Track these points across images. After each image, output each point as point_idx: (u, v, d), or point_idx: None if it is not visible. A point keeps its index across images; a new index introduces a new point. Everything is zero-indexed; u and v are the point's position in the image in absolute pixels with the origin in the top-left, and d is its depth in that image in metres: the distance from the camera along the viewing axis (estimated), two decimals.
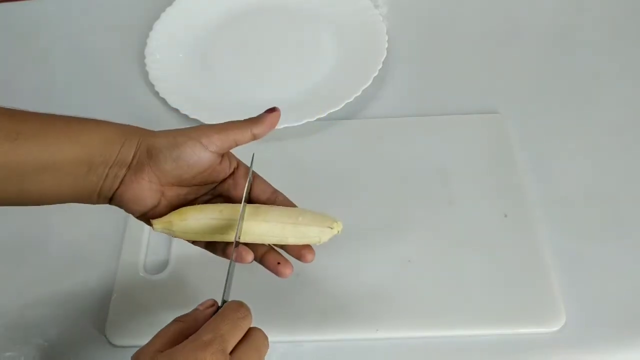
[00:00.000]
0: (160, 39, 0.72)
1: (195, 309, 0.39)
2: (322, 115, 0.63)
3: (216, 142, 0.42)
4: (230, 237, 0.43)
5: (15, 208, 0.60)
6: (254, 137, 0.44)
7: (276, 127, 0.61)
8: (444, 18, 0.77)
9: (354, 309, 0.51)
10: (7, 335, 0.52)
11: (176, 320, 0.38)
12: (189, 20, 0.75)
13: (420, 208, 0.57)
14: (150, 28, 0.73)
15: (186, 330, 0.36)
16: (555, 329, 0.49)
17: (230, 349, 0.35)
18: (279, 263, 0.43)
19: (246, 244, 0.43)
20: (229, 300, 0.39)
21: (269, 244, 0.44)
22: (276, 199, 0.46)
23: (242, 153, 0.46)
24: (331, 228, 0.43)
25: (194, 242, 0.46)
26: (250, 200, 0.46)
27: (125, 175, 0.41)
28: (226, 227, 0.43)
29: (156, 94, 0.67)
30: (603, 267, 0.53)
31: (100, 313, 0.52)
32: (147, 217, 0.44)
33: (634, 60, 0.70)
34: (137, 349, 0.50)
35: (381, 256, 0.54)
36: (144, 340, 0.50)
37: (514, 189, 0.58)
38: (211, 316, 0.37)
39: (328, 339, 0.50)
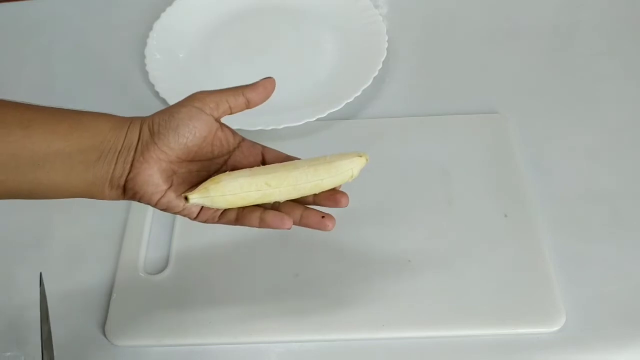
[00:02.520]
0: (160, 39, 0.72)
1: None
2: (322, 115, 0.63)
3: (210, 104, 0.43)
4: (269, 198, 0.43)
5: (16, 207, 0.60)
6: (248, 103, 0.45)
7: (276, 127, 0.62)
8: (444, 18, 0.77)
9: (354, 309, 0.51)
10: (8, 335, 0.52)
11: None
12: (189, 20, 0.75)
13: (420, 208, 0.57)
14: (150, 28, 0.73)
15: None
16: (555, 329, 0.49)
17: None
18: (323, 217, 0.43)
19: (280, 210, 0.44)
20: None
21: (304, 206, 0.44)
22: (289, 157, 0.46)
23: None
24: (360, 156, 0.45)
25: (220, 218, 0.44)
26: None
27: (133, 159, 0.41)
28: (262, 185, 0.42)
29: (156, 94, 0.67)
30: (603, 267, 0.53)
31: (100, 313, 0.52)
32: (167, 200, 0.42)
33: (634, 60, 0.70)
34: (137, 349, 0.51)
35: (381, 256, 0.54)
36: (144, 340, 0.51)
37: (514, 189, 0.58)
38: None
39: (328, 339, 0.50)
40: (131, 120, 0.42)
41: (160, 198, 0.42)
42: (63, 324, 0.52)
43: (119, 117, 0.43)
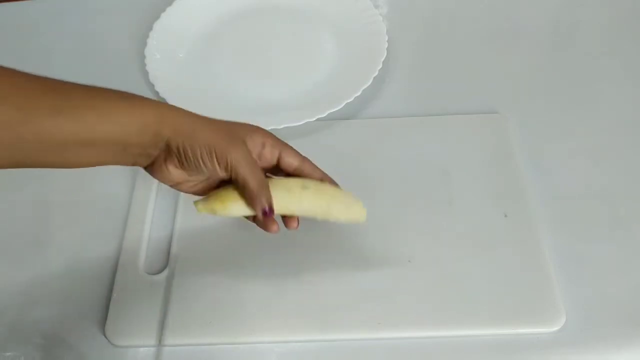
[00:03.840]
0: (160, 39, 0.72)
1: None
2: (322, 115, 0.63)
3: (223, 165, 0.44)
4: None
5: (16, 207, 0.60)
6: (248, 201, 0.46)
7: (276, 127, 0.62)
8: (444, 18, 0.77)
9: (354, 309, 0.51)
10: (7, 335, 0.52)
11: None
12: (189, 20, 0.75)
13: (420, 208, 0.57)
14: (150, 28, 0.73)
15: None
16: (555, 329, 0.49)
17: None
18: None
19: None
20: None
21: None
22: (304, 166, 0.48)
23: None
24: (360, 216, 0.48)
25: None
26: (280, 169, 0.48)
27: (156, 157, 0.44)
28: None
29: (156, 93, 0.67)
30: (603, 267, 0.53)
31: (100, 313, 0.52)
32: (181, 189, 0.47)
33: (634, 60, 0.70)
34: (137, 349, 0.51)
35: (381, 256, 0.54)
36: (144, 340, 0.51)
37: (514, 189, 0.58)
38: None
39: (328, 339, 0.50)
40: (161, 124, 0.43)
41: (174, 185, 0.47)
42: (63, 324, 0.52)
43: (151, 112, 0.43)
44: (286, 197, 0.46)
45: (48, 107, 0.40)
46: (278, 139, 0.48)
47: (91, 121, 0.41)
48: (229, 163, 0.43)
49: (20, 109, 0.38)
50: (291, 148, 0.48)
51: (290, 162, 0.48)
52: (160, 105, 0.44)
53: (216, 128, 0.45)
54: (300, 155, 0.48)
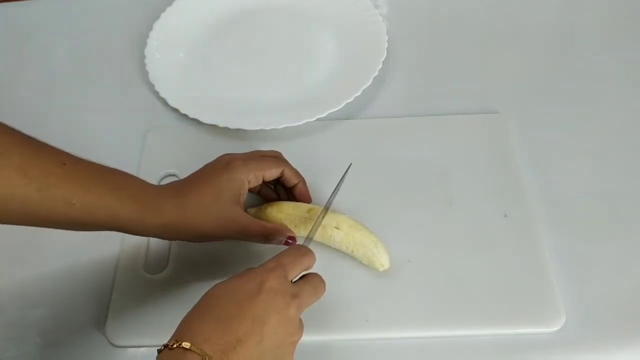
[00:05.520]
0: (160, 39, 0.72)
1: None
2: (322, 115, 0.63)
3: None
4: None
5: None
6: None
7: (276, 127, 0.62)
8: (444, 18, 0.77)
9: (354, 309, 0.51)
10: (7, 335, 0.52)
11: None
12: (189, 20, 0.75)
13: (420, 208, 0.57)
14: (150, 28, 0.73)
15: None
16: (555, 329, 0.49)
17: (290, 277, 0.43)
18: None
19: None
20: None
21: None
22: (297, 184, 0.55)
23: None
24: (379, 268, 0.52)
25: None
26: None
27: None
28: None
29: (156, 93, 0.67)
30: (603, 267, 0.53)
31: (100, 313, 0.52)
32: None
33: (634, 60, 0.70)
34: (137, 349, 0.51)
35: None
36: (144, 340, 0.51)
37: (514, 189, 0.58)
38: None
39: (328, 339, 0.50)
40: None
41: None
42: (63, 324, 0.52)
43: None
44: (320, 233, 0.52)
45: (63, 198, 0.43)
46: (251, 167, 0.52)
47: (101, 218, 0.45)
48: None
49: (40, 190, 0.42)
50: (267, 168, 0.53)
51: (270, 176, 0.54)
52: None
53: (213, 223, 0.50)
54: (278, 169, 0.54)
